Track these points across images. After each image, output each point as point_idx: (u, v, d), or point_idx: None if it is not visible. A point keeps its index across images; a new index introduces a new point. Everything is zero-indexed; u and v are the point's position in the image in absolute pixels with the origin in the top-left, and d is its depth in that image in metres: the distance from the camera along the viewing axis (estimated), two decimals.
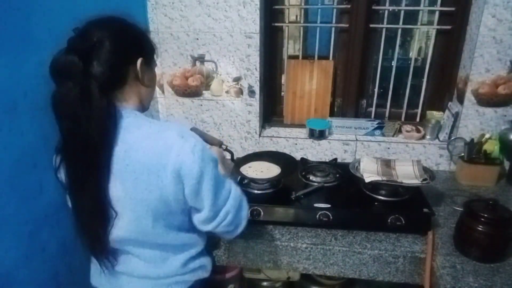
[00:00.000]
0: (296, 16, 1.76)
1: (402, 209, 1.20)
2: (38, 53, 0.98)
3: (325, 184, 1.36)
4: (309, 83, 1.72)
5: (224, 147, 1.39)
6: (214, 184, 0.81)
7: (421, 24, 1.63)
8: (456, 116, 1.56)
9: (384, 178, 1.22)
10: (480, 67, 1.46)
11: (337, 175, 1.42)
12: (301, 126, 1.75)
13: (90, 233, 0.82)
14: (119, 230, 0.81)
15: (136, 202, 0.78)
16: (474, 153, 1.50)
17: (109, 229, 0.80)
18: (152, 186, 0.77)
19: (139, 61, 0.82)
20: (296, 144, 1.71)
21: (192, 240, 0.92)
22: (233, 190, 0.88)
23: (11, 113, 0.91)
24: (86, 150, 0.74)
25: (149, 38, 0.89)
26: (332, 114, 1.77)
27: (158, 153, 0.76)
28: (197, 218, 0.86)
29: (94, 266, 0.95)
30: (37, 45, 0.98)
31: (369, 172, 1.26)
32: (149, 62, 0.87)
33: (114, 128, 0.76)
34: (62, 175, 0.82)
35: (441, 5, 1.57)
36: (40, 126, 0.99)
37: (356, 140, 1.67)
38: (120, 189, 0.77)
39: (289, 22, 1.72)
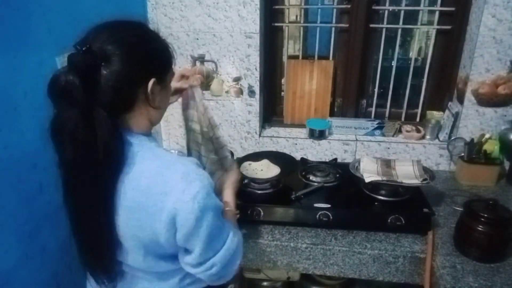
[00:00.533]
0: (296, 16, 1.76)
1: (402, 209, 1.20)
2: (38, 53, 0.98)
3: (325, 184, 1.36)
4: (309, 83, 1.72)
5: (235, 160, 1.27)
6: (209, 234, 0.72)
7: (421, 24, 1.63)
8: (456, 116, 1.56)
9: (384, 178, 1.22)
10: (480, 67, 1.46)
11: (337, 175, 1.42)
12: (301, 126, 1.75)
13: (93, 259, 0.78)
14: (122, 256, 0.78)
15: (128, 236, 0.73)
16: (474, 153, 1.50)
17: (114, 254, 0.76)
18: (146, 226, 0.70)
19: (151, 82, 0.71)
20: (296, 144, 1.71)
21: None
22: (228, 242, 0.78)
23: (11, 113, 0.91)
24: (92, 179, 0.67)
25: (168, 49, 0.78)
26: (332, 114, 1.77)
27: (156, 195, 0.68)
28: (183, 259, 0.77)
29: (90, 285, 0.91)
30: (37, 45, 0.98)
31: (369, 172, 1.26)
32: (164, 81, 0.76)
33: (122, 155, 0.68)
34: None
35: (441, 5, 1.57)
36: (40, 126, 0.99)
37: (356, 140, 1.67)
38: (118, 217, 0.72)
39: (289, 22, 1.72)
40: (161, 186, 0.68)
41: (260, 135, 1.72)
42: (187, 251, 0.75)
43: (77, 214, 0.73)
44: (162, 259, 0.78)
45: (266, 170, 1.34)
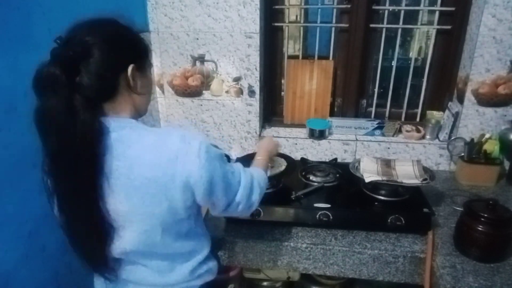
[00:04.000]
0: (296, 16, 1.76)
1: (402, 209, 1.20)
2: (38, 53, 0.98)
3: (325, 184, 1.36)
4: (309, 83, 1.72)
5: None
6: (225, 181, 0.79)
7: (421, 24, 1.63)
8: (456, 116, 1.56)
9: (384, 178, 1.22)
10: (480, 67, 1.46)
11: (337, 175, 1.42)
12: (301, 126, 1.75)
13: (88, 251, 0.79)
14: (125, 244, 0.79)
15: (145, 217, 0.75)
16: (474, 153, 1.50)
17: (109, 244, 0.78)
18: (161, 198, 0.73)
19: (130, 68, 0.75)
20: (296, 144, 1.71)
21: (198, 246, 0.90)
22: (243, 180, 0.86)
23: (11, 113, 0.91)
24: (75, 168, 0.69)
25: (142, 40, 0.82)
26: (332, 114, 1.77)
27: (164, 165, 0.72)
28: (212, 211, 0.87)
29: (98, 275, 0.92)
30: (37, 45, 0.98)
31: (369, 172, 1.26)
32: (143, 67, 0.81)
33: (100, 143, 0.70)
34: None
35: (441, 5, 1.57)
36: None
37: (356, 140, 1.67)
38: (125, 204, 0.74)
39: (289, 22, 1.72)
40: (165, 155, 0.72)
41: (260, 135, 1.72)
42: (212, 205, 0.83)
43: (66, 205, 0.74)
44: (178, 236, 0.82)
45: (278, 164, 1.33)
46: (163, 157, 0.72)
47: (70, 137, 0.67)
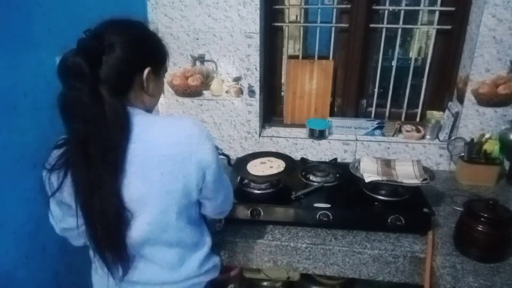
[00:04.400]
0: (296, 16, 1.76)
1: (402, 209, 1.20)
2: (38, 53, 0.98)
3: (325, 184, 1.36)
4: (309, 83, 1.72)
5: (220, 151, 1.39)
6: (222, 170, 0.89)
7: (421, 24, 1.63)
8: (456, 116, 1.56)
9: (384, 178, 1.22)
10: (480, 67, 1.46)
11: (337, 175, 1.42)
12: (301, 126, 1.75)
13: (106, 239, 0.78)
14: (137, 231, 0.80)
15: (162, 196, 0.79)
16: (474, 153, 1.50)
17: (126, 232, 0.79)
18: (178, 175, 0.78)
19: (146, 71, 0.81)
20: (296, 144, 1.71)
21: (203, 237, 0.95)
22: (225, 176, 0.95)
23: (11, 113, 0.91)
24: (102, 152, 0.73)
25: (164, 47, 0.88)
26: (332, 114, 1.77)
27: (181, 143, 0.78)
28: (210, 204, 0.93)
29: (99, 278, 0.92)
30: (37, 45, 0.98)
31: (369, 172, 1.26)
32: (158, 72, 0.86)
33: (129, 127, 0.76)
34: (54, 179, 0.79)
35: (441, 5, 1.57)
36: (40, 126, 0.99)
37: (356, 140, 1.67)
38: (142, 188, 0.77)
39: (289, 22, 1.72)
40: (181, 134, 0.79)
41: (260, 135, 1.72)
42: (210, 200, 0.91)
43: (89, 191, 0.76)
44: (189, 222, 0.87)
45: (276, 166, 1.33)
46: (179, 137, 0.78)
47: (99, 122, 0.72)
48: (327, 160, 1.63)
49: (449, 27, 1.58)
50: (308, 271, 1.19)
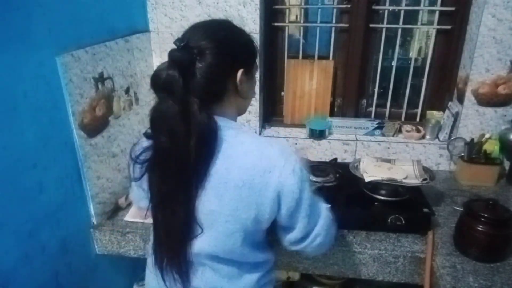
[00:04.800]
0: (296, 16, 1.76)
1: (402, 209, 1.20)
2: (38, 53, 0.98)
3: (325, 184, 1.36)
4: (309, 83, 1.72)
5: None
6: (310, 205, 0.80)
7: (421, 24, 1.63)
8: (456, 116, 1.56)
9: (384, 178, 1.22)
10: (480, 67, 1.46)
11: (337, 175, 1.42)
12: (301, 126, 1.75)
13: (172, 247, 0.80)
14: (203, 244, 0.79)
15: (231, 219, 0.76)
16: (474, 153, 1.50)
17: (191, 243, 0.79)
18: (251, 204, 0.75)
19: (239, 73, 0.78)
20: (296, 144, 1.71)
21: (267, 258, 0.91)
22: (324, 210, 0.86)
23: (11, 113, 0.91)
24: (182, 166, 0.73)
25: (253, 43, 0.83)
26: (332, 114, 1.77)
27: (261, 171, 0.74)
28: (288, 238, 0.85)
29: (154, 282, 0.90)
30: (37, 45, 0.98)
31: (369, 172, 1.26)
32: (250, 72, 0.83)
33: (215, 142, 0.74)
34: (137, 168, 0.81)
35: (441, 5, 1.57)
36: (40, 126, 0.99)
37: (356, 140, 1.67)
38: (215, 203, 0.75)
39: (289, 22, 1.72)
40: (265, 163, 0.74)
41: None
42: (290, 230, 0.82)
43: (160, 202, 0.77)
44: (254, 247, 0.84)
45: None
46: (262, 164, 0.74)
47: (183, 136, 0.70)
48: (327, 160, 1.63)
49: (449, 27, 1.58)
50: (308, 271, 1.19)
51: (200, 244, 0.79)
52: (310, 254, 0.89)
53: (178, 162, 0.73)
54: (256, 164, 0.74)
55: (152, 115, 0.73)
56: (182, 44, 0.71)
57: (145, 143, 0.80)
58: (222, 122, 0.76)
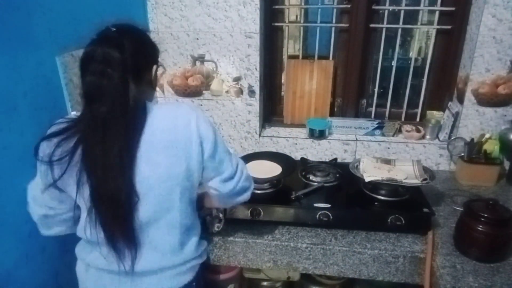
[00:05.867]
0: (296, 16, 1.76)
1: (402, 209, 1.20)
2: (38, 53, 0.98)
3: (325, 184, 1.36)
4: (309, 83, 1.72)
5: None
6: (225, 147, 0.93)
7: (421, 24, 1.63)
8: (456, 116, 1.56)
9: (384, 178, 1.22)
10: (480, 67, 1.46)
11: (337, 175, 1.42)
12: (301, 126, 1.75)
13: (117, 222, 0.83)
14: (143, 212, 0.84)
15: (167, 178, 0.84)
16: (474, 153, 1.50)
17: (133, 214, 0.83)
18: (181, 159, 0.85)
19: (155, 67, 0.91)
20: (296, 144, 1.71)
21: (197, 220, 1.00)
22: (240, 160, 0.99)
23: (11, 113, 0.91)
24: (121, 136, 0.78)
25: (156, 45, 0.96)
26: (332, 114, 1.77)
27: (181, 128, 0.84)
28: (219, 180, 0.92)
29: (96, 274, 0.93)
30: (37, 45, 0.98)
31: (369, 172, 1.26)
32: (156, 68, 0.94)
33: (146, 114, 0.83)
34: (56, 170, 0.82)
35: (441, 5, 1.57)
36: (40, 126, 0.99)
37: (356, 140, 1.67)
38: (146, 170, 0.82)
39: (289, 22, 1.72)
40: (181, 120, 0.85)
41: (260, 135, 1.72)
42: (219, 173, 0.92)
43: (103, 173, 0.79)
44: (189, 204, 0.93)
45: (269, 169, 1.33)
46: (179, 122, 0.85)
47: (124, 107, 0.78)
48: (327, 160, 1.63)
49: (449, 27, 1.58)
50: (308, 271, 1.19)
51: (143, 213, 0.84)
52: (240, 200, 0.99)
53: (117, 132, 0.78)
54: (175, 124, 0.85)
55: (88, 87, 0.78)
56: (114, 29, 0.82)
57: (55, 139, 0.82)
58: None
